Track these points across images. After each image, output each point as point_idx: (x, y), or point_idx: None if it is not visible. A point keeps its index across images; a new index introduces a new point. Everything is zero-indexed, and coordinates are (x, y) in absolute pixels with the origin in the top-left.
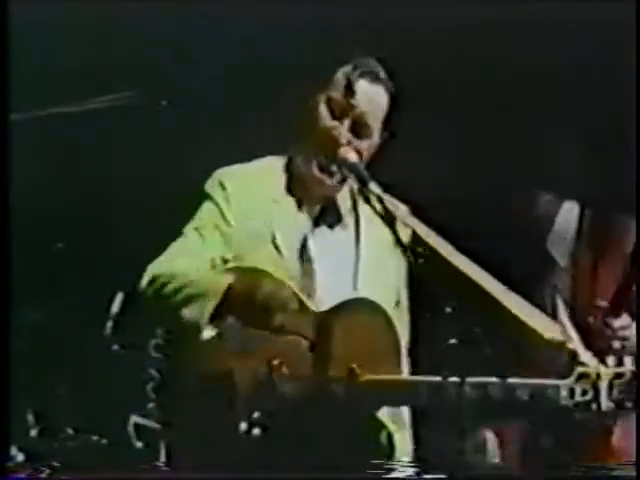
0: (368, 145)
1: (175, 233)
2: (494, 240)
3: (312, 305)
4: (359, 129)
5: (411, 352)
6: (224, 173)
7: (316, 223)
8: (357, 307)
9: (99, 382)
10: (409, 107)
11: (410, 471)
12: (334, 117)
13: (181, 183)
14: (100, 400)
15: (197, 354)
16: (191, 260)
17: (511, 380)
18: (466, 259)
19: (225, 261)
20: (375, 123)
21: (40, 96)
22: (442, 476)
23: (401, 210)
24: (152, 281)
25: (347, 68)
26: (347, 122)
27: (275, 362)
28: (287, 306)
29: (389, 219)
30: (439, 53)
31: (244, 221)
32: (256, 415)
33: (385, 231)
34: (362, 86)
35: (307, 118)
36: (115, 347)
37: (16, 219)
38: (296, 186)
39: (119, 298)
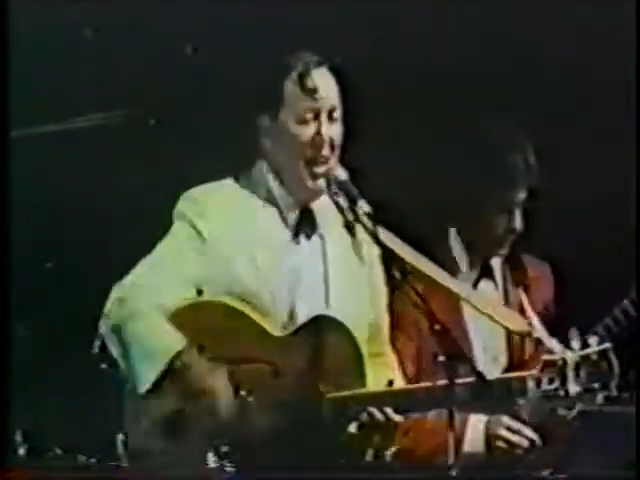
0: (340, 128)
1: None
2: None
3: (276, 327)
4: (333, 117)
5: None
6: (195, 191)
7: (296, 233)
8: (319, 326)
9: (87, 401)
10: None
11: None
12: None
13: (172, 202)
14: (88, 419)
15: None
16: (164, 277)
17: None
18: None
19: (199, 292)
20: (338, 104)
21: (33, 115)
22: None
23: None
24: (120, 303)
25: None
26: (324, 116)
27: (242, 392)
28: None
29: (377, 237)
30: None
31: (220, 236)
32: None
33: (361, 245)
34: (318, 77)
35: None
36: (103, 366)
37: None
38: (277, 193)
39: None
